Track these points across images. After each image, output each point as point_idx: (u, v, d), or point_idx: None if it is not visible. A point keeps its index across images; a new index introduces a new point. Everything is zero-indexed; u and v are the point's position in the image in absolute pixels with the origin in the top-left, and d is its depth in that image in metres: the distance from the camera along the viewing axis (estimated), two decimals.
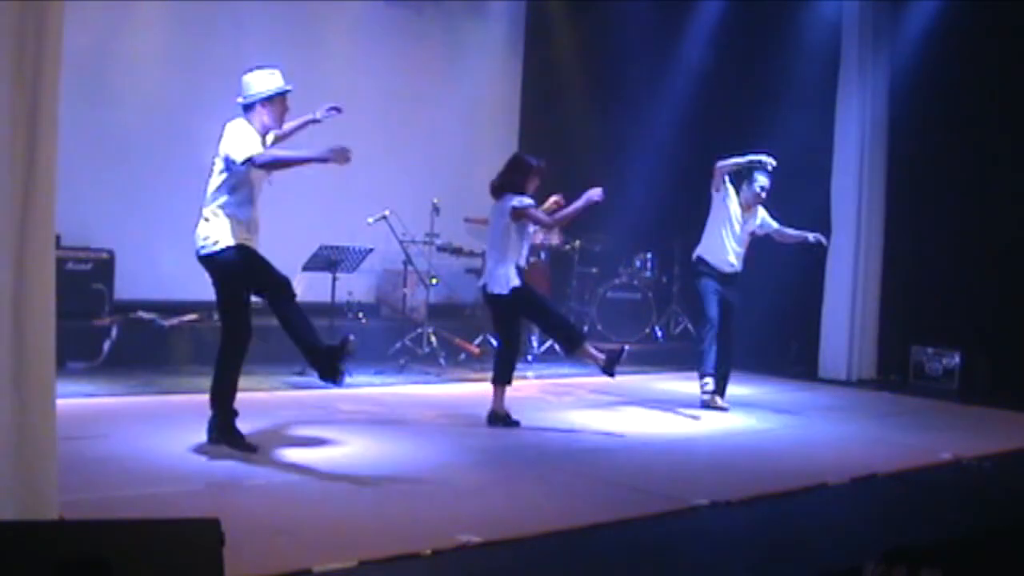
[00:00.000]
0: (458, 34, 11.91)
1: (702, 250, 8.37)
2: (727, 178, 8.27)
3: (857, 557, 4.43)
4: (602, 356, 7.25)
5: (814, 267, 10.74)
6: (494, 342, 10.17)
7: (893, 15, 10.79)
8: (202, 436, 6.04)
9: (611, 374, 7.32)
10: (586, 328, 11.15)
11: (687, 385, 8.94)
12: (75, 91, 7.82)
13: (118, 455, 5.82)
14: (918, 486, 6.23)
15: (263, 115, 5.99)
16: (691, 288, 8.73)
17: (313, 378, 8.41)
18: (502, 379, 7.26)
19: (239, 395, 6.13)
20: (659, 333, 11.62)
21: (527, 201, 7.23)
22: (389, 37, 11.32)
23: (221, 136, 5.91)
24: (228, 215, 5.86)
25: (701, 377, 8.29)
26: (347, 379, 5.97)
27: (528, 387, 7.51)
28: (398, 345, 9.77)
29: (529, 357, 10.42)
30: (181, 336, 9.01)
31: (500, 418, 7.23)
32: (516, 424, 7.22)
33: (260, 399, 6.30)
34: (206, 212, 5.90)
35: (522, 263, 7.30)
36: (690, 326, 11.54)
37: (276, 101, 6.02)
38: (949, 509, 5.77)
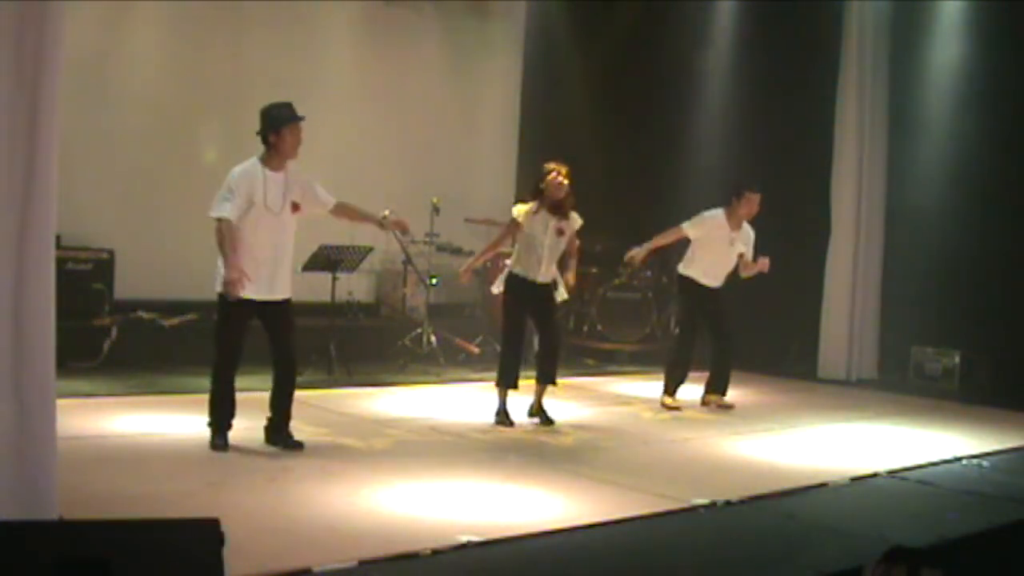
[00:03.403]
0: (458, 34, 11.90)
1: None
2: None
3: (857, 557, 4.43)
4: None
5: (814, 267, 10.74)
6: (498, 345, 10.20)
7: (893, 15, 10.78)
8: (202, 435, 6.07)
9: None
10: (586, 328, 11.14)
11: (687, 385, 8.91)
12: (75, 91, 7.83)
13: (118, 455, 5.83)
14: (918, 486, 6.23)
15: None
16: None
17: (312, 379, 8.47)
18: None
19: (241, 395, 6.18)
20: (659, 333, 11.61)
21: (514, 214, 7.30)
22: (389, 37, 11.31)
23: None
24: None
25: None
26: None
27: (527, 387, 7.51)
28: (398, 345, 9.77)
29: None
30: (181, 336, 9.01)
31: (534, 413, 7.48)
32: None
33: (260, 399, 6.30)
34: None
35: (521, 272, 7.31)
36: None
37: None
38: (949, 509, 5.76)
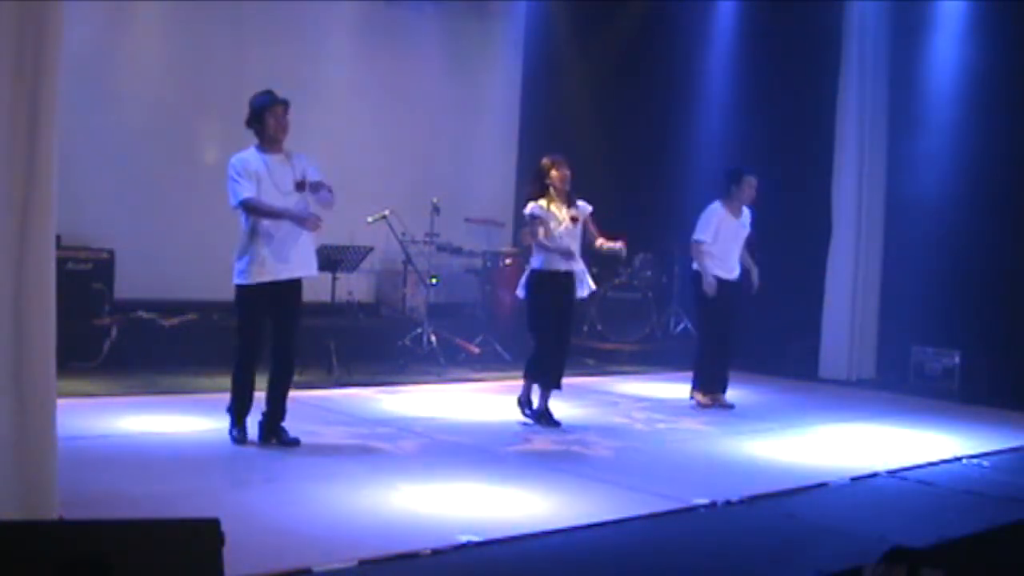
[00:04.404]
0: (458, 34, 11.90)
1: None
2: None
3: (857, 557, 4.43)
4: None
5: (814, 267, 10.74)
6: (497, 344, 10.23)
7: (893, 15, 10.78)
8: (201, 435, 6.07)
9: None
10: (586, 328, 11.13)
11: (686, 386, 8.91)
12: (75, 91, 7.83)
13: (118, 455, 5.83)
14: (918, 486, 6.23)
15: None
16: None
17: (312, 379, 8.47)
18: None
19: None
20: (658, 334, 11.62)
21: (531, 211, 7.26)
22: (389, 37, 11.31)
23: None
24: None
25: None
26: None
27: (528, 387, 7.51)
28: (398, 345, 9.77)
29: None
30: (181, 336, 9.01)
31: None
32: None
33: (259, 399, 6.30)
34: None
35: (544, 266, 7.30)
36: (690, 326, 11.53)
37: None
38: (949, 509, 5.76)
